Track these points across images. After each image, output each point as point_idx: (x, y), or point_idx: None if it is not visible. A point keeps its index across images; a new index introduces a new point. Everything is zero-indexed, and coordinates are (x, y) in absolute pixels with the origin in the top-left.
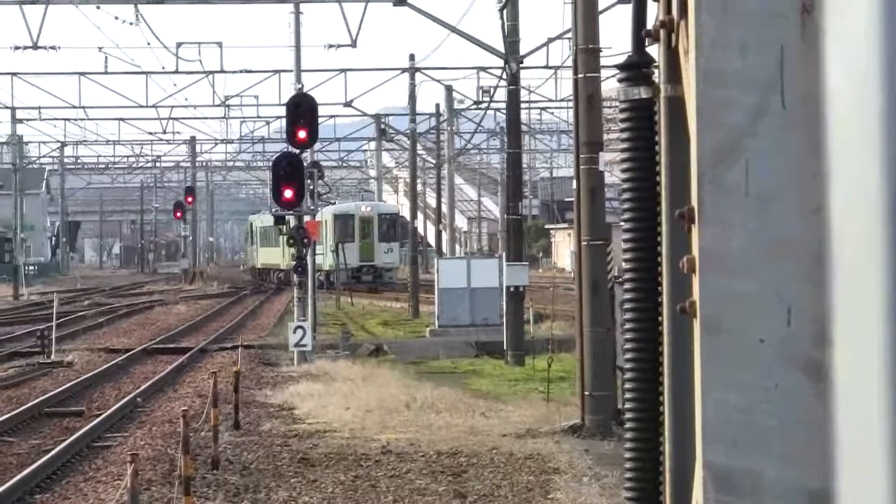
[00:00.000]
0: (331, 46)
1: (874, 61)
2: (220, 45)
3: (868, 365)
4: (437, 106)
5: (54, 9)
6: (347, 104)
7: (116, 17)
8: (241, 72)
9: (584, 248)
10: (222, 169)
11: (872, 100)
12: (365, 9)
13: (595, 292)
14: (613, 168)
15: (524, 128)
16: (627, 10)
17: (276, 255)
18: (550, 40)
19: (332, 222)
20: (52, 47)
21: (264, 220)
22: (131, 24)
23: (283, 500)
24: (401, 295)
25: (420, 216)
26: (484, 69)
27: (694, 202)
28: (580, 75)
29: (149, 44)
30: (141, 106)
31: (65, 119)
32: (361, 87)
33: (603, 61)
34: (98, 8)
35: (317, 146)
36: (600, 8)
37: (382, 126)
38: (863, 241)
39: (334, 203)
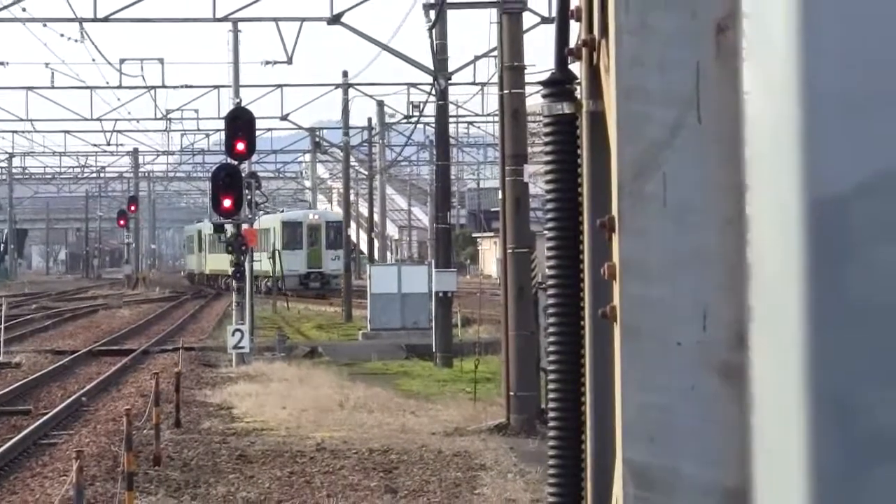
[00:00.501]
0: (267, 63)
1: (790, 77)
2: (161, 61)
3: (783, 367)
4: (370, 120)
5: (2, 26)
6: (283, 118)
7: (62, 35)
8: (181, 87)
9: (510, 255)
10: (164, 179)
11: (788, 113)
12: (300, 27)
13: (520, 297)
14: (537, 179)
15: (452, 141)
16: (551, 29)
17: (226, 262)
18: (477, 58)
19: (280, 229)
20: (0, 63)
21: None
22: (76, 40)
23: (221, 495)
24: (334, 300)
25: (353, 225)
26: (414, 85)
27: (614, 212)
28: (506, 91)
29: (93, 60)
30: (86, 119)
31: (12, 131)
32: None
33: (527, 78)
34: (44, 25)
35: (254, 158)
36: (524, 27)
37: (317, 139)
38: (778, 249)
39: (274, 212)
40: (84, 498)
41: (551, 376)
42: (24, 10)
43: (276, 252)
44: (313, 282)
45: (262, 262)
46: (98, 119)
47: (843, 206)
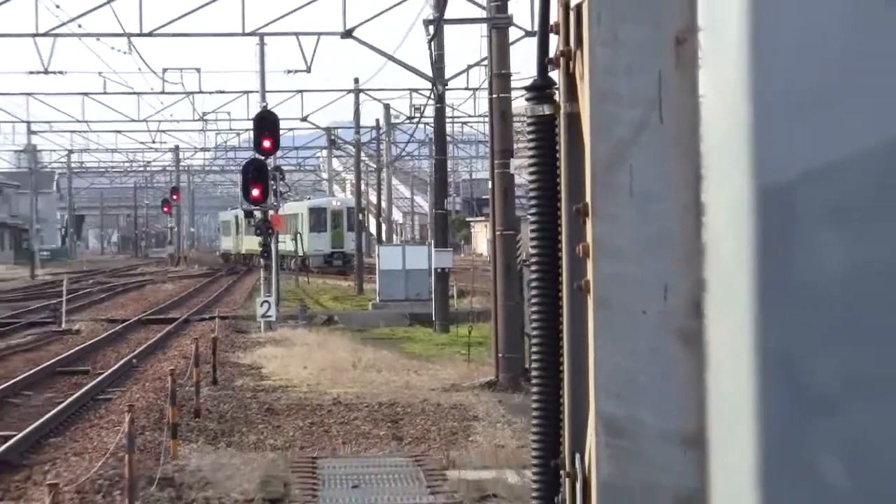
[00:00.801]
0: (289, 71)
1: (740, 82)
2: (198, 70)
3: (734, 332)
4: (377, 121)
5: (62, 40)
6: (303, 119)
7: (113, 48)
8: (216, 92)
9: (498, 237)
10: (201, 172)
11: (739, 113)
12: (318, 40)
13: (507, 273)
14: (522, 171)
15: (448, 138)
16: (533, 42)
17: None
18: (470, 67)
19: (307, 214)
20: (60, 72)
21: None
22: (125, 53)
23: (252, 443)
24: (350, 275)
25: (364, 211)
26: (416, 90)
27: (588, 199)
28: (495, 95)
29: (140, 69)
30: (133, 120)
31: (71, 131)
32: (315, 105)
33: (513, 84)
34: (98, 39)
35: (278, 153)
36: (511, 40)
37: (332, 137)
38: (730, 231)
39: (299, 200)
40: (135, 445)
41: (534, 340)
42: (79, 26)
43: (298, 234)
44: (336, 260)
45: (286, 243)
46: (144, 120)
47: (786, 193)
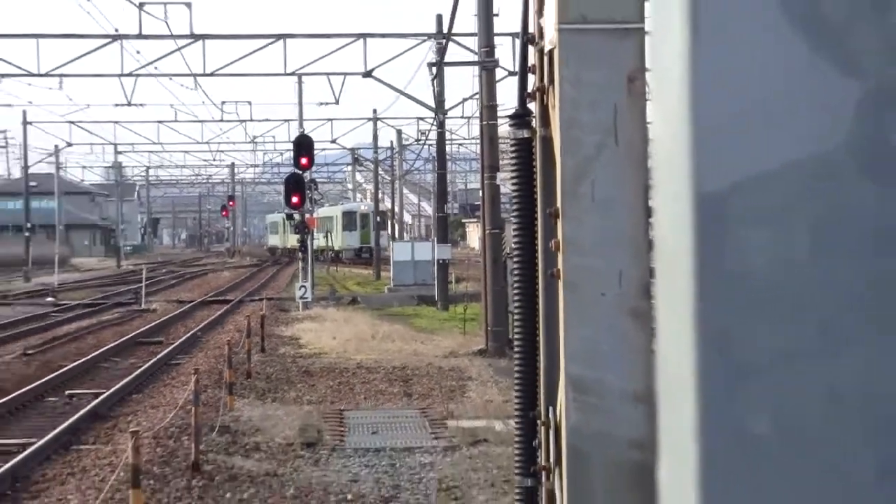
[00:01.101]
0: (321, 104)
1: (680, 111)
2: (249, 102)
3: (676, 310)
4: (391, 142)
5: (142, 79)
6: (332, 141)
7: (182, 85)
8: (263, 120)
9: (488, 235)
10: (251, 183)
11: (679, 135)
12: (344, 79)
13: (494, 263)
14: (506, 183)
15: (448, 157)
16: (515, 80)
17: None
18: (465, 99)
19: (340, 217)
20: (141, 104)
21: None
22: (191, 89)
23: (292, 398)
24: (370, 266)
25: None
26: (422, 118)
27: (558, 205)
28: (485, 122)
29: (203, 102)
30: (198, 142)
31: (149, 151)
32: (342, 130)
33: (499, 113)
34: (170, 78)
35: (313, 169)
36: (497, 78)
37: (355, 156)
38: (673, 230)
39: (329, 205)
40: (199, 400)
41: (516, 317)
42: (156, 68)
43: (328, 233)
44: (364, 253)
45: (319, 240)
46: (206, 142)
47: (717, 199)
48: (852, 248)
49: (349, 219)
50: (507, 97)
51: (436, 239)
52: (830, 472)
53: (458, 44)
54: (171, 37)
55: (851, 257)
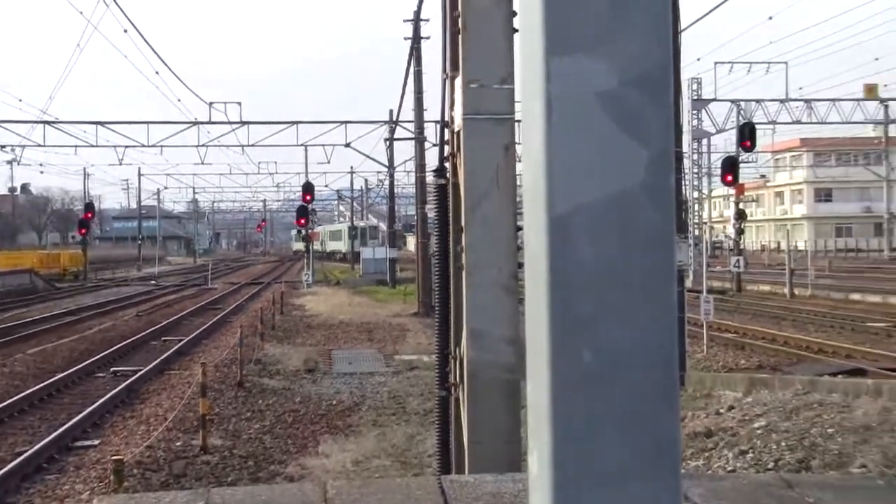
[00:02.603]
0: (319, 162)
1: (539, 166)
2: (276, 162)
3: (533, 288)
4: (362, 186)
5: (211, 149)
6: (326, 186)
7: (234, 151)
8: (283, 173)
9: (420, 243)
10: (276, 211)
11: (538, 182)
12: (333, 148)
13: (424, 259)
14: (430, 211)
15: (396, 195)
16: (436, 149)
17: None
18: (406, 160)
19: (346, 230)
20: (209, 163)
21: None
22: (240, 154)
23: (300, 342)
24: (347, 262)
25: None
26: (380, 172)
27: (462, 224)
28: (418, 174)
29: (248, 162)
30: (244, 187)
31: (214, 191)
32: (332, 179)
33: (428, 168)
34: (228, 147)
35: (313, 203)
36: (426, 147)
37: (340, 195)
38: (535, 240)
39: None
40: (243, 343)
41: (437, 292)
42: (218, 140)
43: (322, 241)
44: (348, 255)
45: (317, 246)
46: (249, 187)
47: (563, 219)
48: (642, 248)
49: (335, 234)
50: (432, 159)
51: (388, 245)
52: (630, 387)
53: (403, 127)
54: (229, 122)
55: (641, 254)
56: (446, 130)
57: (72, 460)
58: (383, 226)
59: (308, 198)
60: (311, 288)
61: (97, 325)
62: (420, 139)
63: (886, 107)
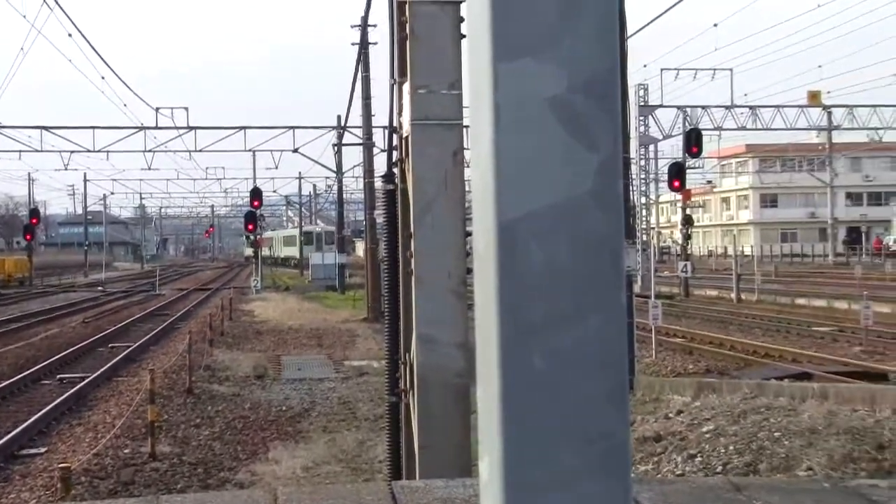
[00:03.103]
0: (267, 168)
1: (487, 171)
2: (223, 167)
3: (487, 292)
4: (311, 192)
5: (158, 154)
6: (274, 191)
7: (182, 157)
8: (231, 178)
9: (369, 248)
10: (224, 217)
11: (487, 186)
12: (281, 154)
13: (373, 265)
14: (379, 216)
15: (344, 200)
16: (384, 154)
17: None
18: (355, 166)
19: (283, 238)
20: (156, 169)
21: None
22: (187, 159)
23: (249, 348)
24: (297, 267)
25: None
26: (328, 177)
27: (412, 229)
28: (366, 180)
29: (196, 167)
30: (192, 192)
31: (161, 197)
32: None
33: (376, 174)
34: (175, 153)
35: (262, 208)
36: (375, 153)
37: (288, 201)
38: (484, 243)
39: (271, 231)
40: (192, 350)
41: (387, 297)
42: (166, 146)
43: (271, 248)
44: (299, 261)
45: (270, 251)
46: (197, 193)
47: (511, 225)
48: (591, 253)
49: (290, 239)
50: (380, 165)
51: (337, 250)
52: (579, 391)
53: (351, 132)
54: (175, 128)
55: (590, 259)
56: (395, 136)
57: (18, 468)
58: None
59: (256, 203)
60: (260, 294)
61: (43, 331)
62: (368, 145)
63: (830, 113)
